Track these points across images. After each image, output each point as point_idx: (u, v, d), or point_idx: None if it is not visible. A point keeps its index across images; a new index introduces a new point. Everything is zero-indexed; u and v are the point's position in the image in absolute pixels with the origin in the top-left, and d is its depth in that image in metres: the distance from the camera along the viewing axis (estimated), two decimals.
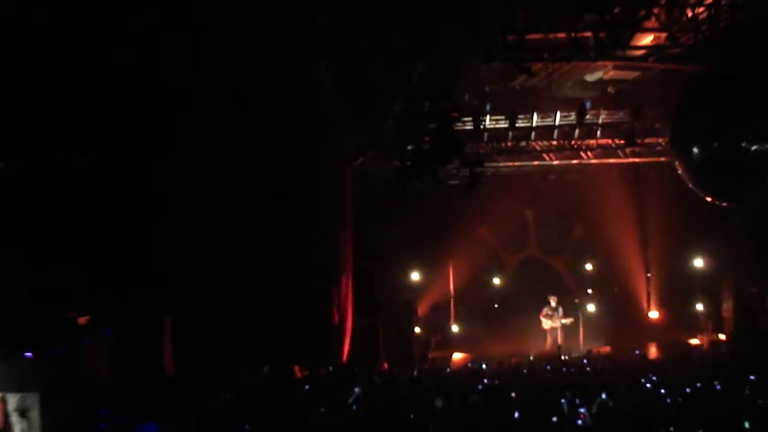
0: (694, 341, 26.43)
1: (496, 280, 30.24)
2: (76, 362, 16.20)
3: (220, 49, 16.28)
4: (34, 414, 15.31)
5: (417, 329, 26.30)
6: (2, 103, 14.52)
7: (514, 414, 15.06)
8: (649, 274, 29.34)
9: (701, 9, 16.89)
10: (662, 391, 17.21)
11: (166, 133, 17.01)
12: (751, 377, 17.57)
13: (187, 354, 18.97)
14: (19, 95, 14.60)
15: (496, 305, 29.44)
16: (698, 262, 28.08)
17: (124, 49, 15.27)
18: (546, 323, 26.32)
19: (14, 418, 15.29)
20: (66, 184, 16.49)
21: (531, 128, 24.37)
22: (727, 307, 26.29)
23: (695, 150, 18.55)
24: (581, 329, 27.22)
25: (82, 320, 16.90)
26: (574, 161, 26.03)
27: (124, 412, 15.70)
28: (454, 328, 28.16)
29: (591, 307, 28.24)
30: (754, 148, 17.56)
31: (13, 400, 15.28)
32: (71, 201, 16.39)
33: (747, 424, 13.44)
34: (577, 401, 15.74)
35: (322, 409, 15.95)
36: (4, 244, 15.28)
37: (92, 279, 16.98)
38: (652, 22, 17.58)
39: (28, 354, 15.50)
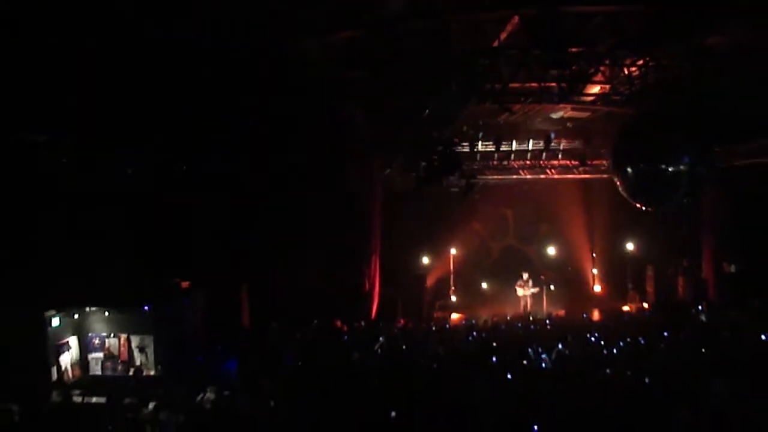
0: (626, 308, 26.26)
1: (484, 257, 30.19)
2: (180, 315, 16.45)
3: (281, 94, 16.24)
4: (150, 351, 15.59)
5: (426, 296, 26.27)
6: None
7: (493, 358, 15.15)
8: (594, 256, 29.22)
9: (635, 68, 16.86)
10: (602, 343, 17.26)
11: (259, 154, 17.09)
12: (665, 334, 17.57)
13: (259, 311, 19.14)
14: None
15: (483, 280, 29.29)
16: (629, 250, 28.04)
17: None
18: (519, 292, 26.15)
19: (136, 353, 15.58)
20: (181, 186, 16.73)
21: (511, 151, 24.55)
22: (649, 283, 26.20)
23: (629, 170, 18.60)
24: (545, 297, 27.02)
25: (185, 284, 17.07)
26: (542, 176, 25.90)
27: (213, 352, 15.91)
28: (453, 297, 28.06)
29: (552, 282, 28.12)
30: (670, 169, 17.62)
31: (135, 340, 15.57)
32: (179, 201, 16.61)
33: (664, 369, 13.48)
34: (540, 350, 15.80)
35: (356, 353, 16.07)
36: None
37: (192, 254, 17.16)
38: (599, 77, 17.63)
39: (146, 307, 15.71)
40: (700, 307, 21.50)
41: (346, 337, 18.73)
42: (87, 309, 15.84)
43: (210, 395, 12.74)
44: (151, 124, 15.25)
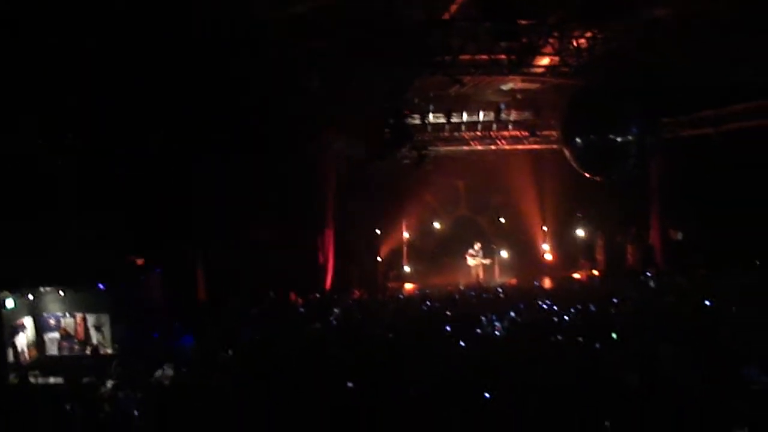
0: (576, 276, 26.76)
1: (437, 227, 30.42)
2: (135, 292, 16.39)
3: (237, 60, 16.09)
4: (107, 329, 15.54)
5: (379, 267, 26.43)
6: None
7: (447, 327, 15.35)
8: (545, 228, 29.54)
9: (583, 40, 17.07)
10: (555, 308, 17.59)
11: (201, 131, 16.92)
12: (615, 300, 17.94)
13: (215, 287, 19.16)
14: None
15: (436, 250, 29.51)
16: (579, 219, 28.50)
17: None
18: (471, 261, 26.45)
19: (92, 332, 15.53)
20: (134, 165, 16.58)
21: (462, 123, 24.55)
22: (599, 251, 26.65)
23: (578, 140, 18.88)
24: (497, 267, 27.41)
25: (140, 262, 17.01)
26: (493, 147, 26.02)
27: (170, 329, 15.91)
28: (406, 267, 28.26)
29: (503, 251, 28.46)
30: (618, 139, 17.93)
31: (91, 319, 15.49)
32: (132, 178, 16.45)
33: (614, 335, 13.81)
34: (494, 318, 16.04)
35: (312, 325, 16.21)
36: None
37: (147, 232, 17.05)
38: (548, 49, 17.81)
39: (101, 286, 15.64)
40: (648, 274, 21.98)
41: (301, 309, 18.85)
42: (41, 289, 15.64)
43: (168, 371, 12.79)
44: (99, 98, 15.02)
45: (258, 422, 9.27)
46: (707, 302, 16.73)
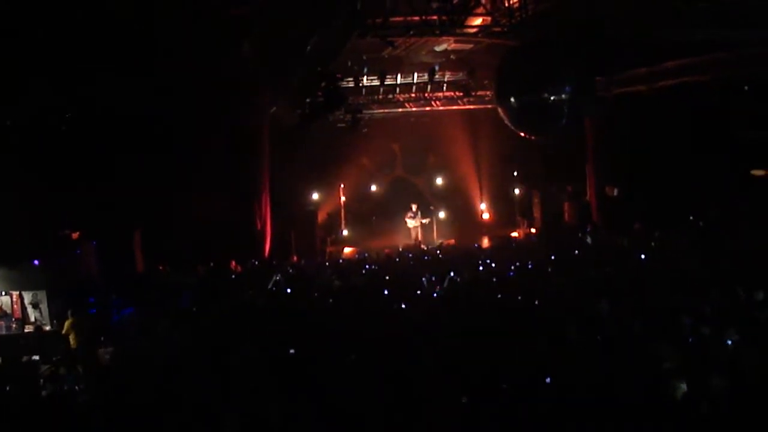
0: (514, 234, 27.07)
1: (374, 190, 30.57)
2: (72, 267, 16.20)
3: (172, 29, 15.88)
4: (44, 306, 15.36)
5: (317, 232, 26.50)
6: None
7: (385, 291, 15.50)
8: (481, 189, 29.92)
9: (515, 0, 17.23)
10: (493, 266, 17.86)
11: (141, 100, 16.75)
12: (552, 257, 18.31)
13: (153, 257, 19.05)
14: None
15: (373, 213, 29.68)
16: (516, 177, 28.92)
17: None
18: (410, 223, 26.63)
19: (29, 310, 15.33)
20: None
21: (396, 85, 24.80)
22: (536, 209, 26.93)
23: (512, 100, 19.11)
24: (435, 227, 27.60)
25: (75, 235, 16.80)
26: (428, 108, 26.19)
27: (109, 302, 15.79)
28: (345, 231, 28.38)
29: (441, 212, 28.73)
30: (552, 98, 18.20)
31: (27, 296, 15.29)
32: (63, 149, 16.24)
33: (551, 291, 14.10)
34: (433, 279, 16.25)
35: (252, 291, 16.23)
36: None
37: (81, 205, 16.85)
38: (480, 9, 17.91)
39: (36, 262, 15.43)
40: (585, 230, 22.44)
41: (241, 276, 18.86)
42: None
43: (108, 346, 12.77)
44: (28, 68, 14.74)
45: (201, 392, 9.30)
46: (643, 257, 17.22)
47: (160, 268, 18.63)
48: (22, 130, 15.56)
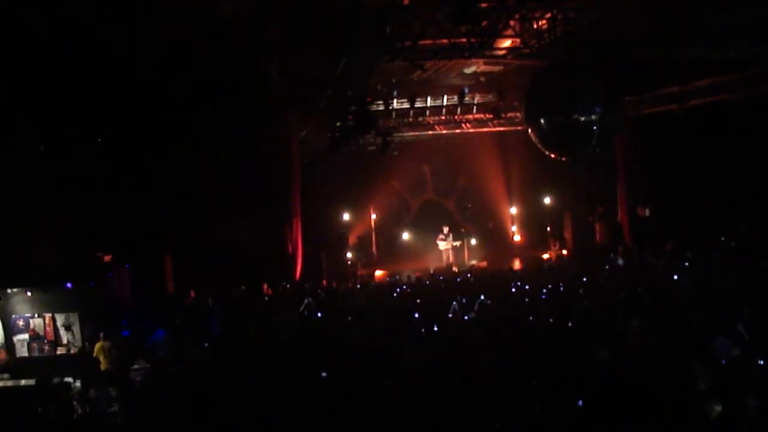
0: (546, 256, 26.97)
1: (404, 212, 30.49)
2: (104, 290, 16.31)
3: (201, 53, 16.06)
4: (76, 328, 15.49)
5: (349, 254, 26.54)
6: None
7: (416, 314, 15.45)
8: (513, 210, 29.83)
9: (543, 22, 17.18)
10: (526, 287, 17.77)
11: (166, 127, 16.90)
12: (584, 279, 18.19)
13: (184, 281, 19.17)
14: None
15: (405, 236, 29.64)
16: (547, 200, 28.84)
17: None
18: (441, 245, 26.54)
19: (62, 332, 15.48)
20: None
21: (426, 107, 24.81)
22: (567, 230, 26.80)
23: (542, 121, 19.05)
24: (466, 250, 27.57)
25: (107, 258, 16.97)
26: (458, 130, 26.26)
27: (140, 324, 15.90)
28: (375, 254, 28.38)
29: (472, 234, 28.66)
30: (581, 118, 18.12)
31: (60, 318, 15.45)
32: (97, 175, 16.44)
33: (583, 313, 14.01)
34: (464, 302, 16.20)
35: (284, 315, 16.27)
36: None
37: (114, 229, 17.03)
38: (509, 31, 17.93)
39: (69, 285, 15.59)
40: (617, 251, 22.28)
41: (273, 300, 18.92)
42: (9, 290, 15.58)
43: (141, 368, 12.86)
44: (60, 96, 14.98)
45: (234, 414, 9.34)
46: (675, 277, 17.06)
47: (192, 293, 18.70)
48: (56, 154, 15.79)
